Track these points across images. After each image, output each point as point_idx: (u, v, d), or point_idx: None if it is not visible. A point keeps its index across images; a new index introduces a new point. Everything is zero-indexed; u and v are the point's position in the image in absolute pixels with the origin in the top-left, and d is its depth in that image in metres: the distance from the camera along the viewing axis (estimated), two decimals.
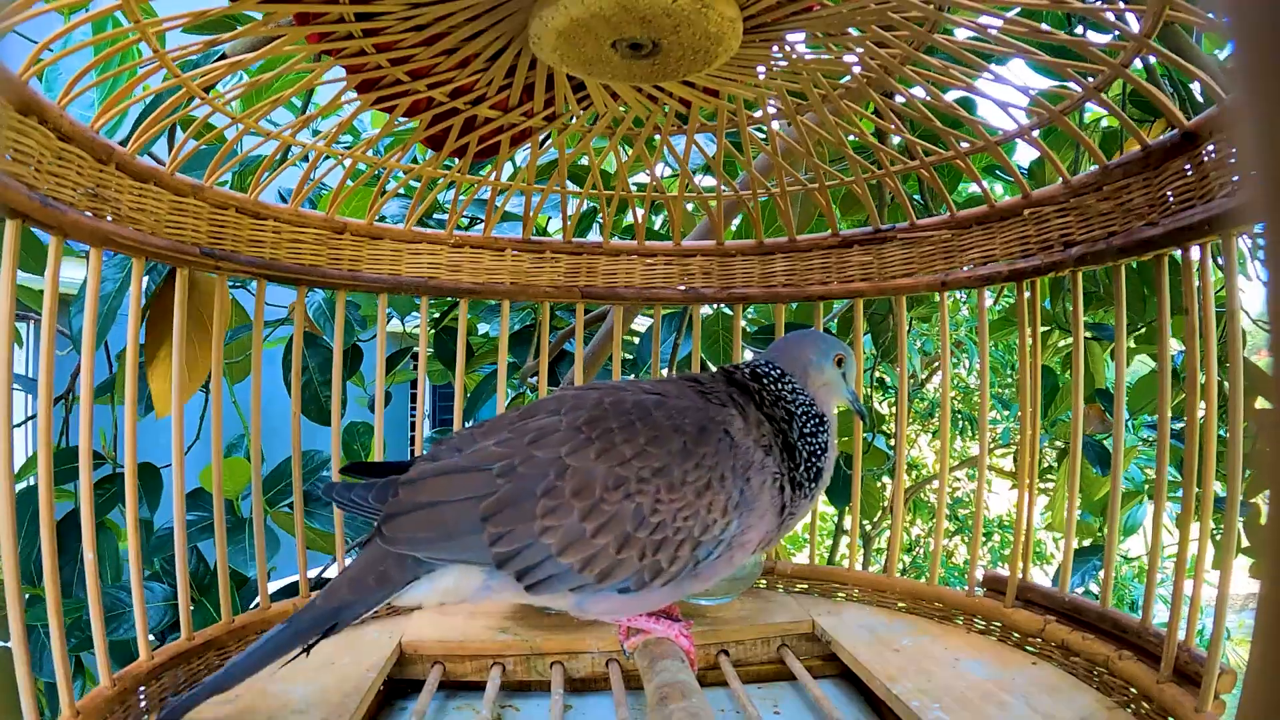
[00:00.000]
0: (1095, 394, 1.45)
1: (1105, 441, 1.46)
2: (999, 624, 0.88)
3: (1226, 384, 0.65)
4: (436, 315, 1.57)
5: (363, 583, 0.62)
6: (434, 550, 0.60)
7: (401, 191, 1.19)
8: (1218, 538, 0.77)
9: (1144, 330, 1.40)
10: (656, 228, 1.53)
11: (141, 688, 0.72)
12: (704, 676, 0.89)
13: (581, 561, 0.58)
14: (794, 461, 0.67)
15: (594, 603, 0.62)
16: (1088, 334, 1.42)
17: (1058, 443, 1.67)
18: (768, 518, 0.65)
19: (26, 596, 0.83)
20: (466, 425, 0.69)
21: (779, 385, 0.71)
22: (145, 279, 1.06)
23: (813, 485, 0.69)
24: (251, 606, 0.91)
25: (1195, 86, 1.10)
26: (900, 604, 0.98)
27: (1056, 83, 0.75)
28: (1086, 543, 1.59)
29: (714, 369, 0.76)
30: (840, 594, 1.03)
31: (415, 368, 1.49)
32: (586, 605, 0.63)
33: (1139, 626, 0.75)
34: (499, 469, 0.60)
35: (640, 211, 1.03)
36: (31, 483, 1.29)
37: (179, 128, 1.03)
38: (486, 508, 0.59)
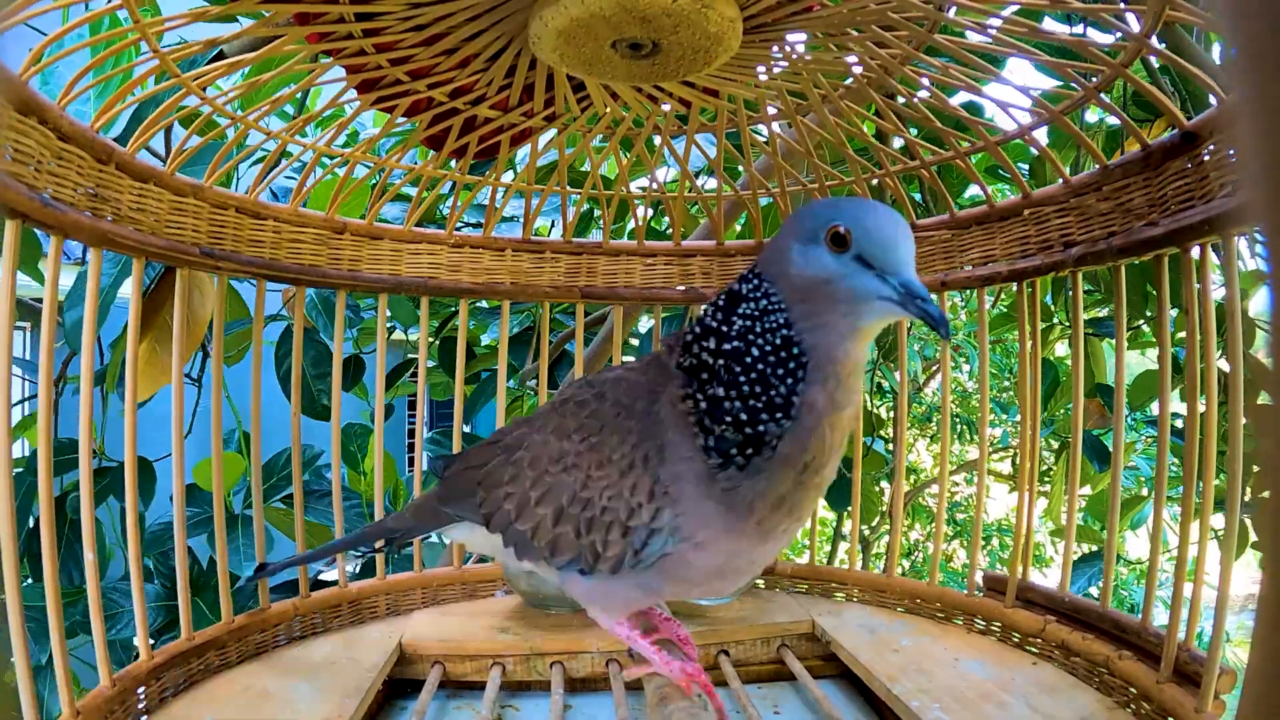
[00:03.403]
0: (1096, 388, 1.45)
1: (1104, 438, 1.46)
2: (999, 624, 0.88)
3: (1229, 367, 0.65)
4: (437, 324, 1.58)
5: (422, 514, 0.74)
6: (453, 507, 0.71)
7: (402, 191, 1.19)
8: (1220, 534, 0.77)
9: (1145, 325, 1.39)
10: (655, 223, 1.53)
11: (141, 688, 0.72)
12: None
13: (531, 529, 0.62)
14: (714, 429, 0.50)
15: (570, 584, 0.64)
16: (1088, 330, 1.42)
17: (1054, 441, 1.66)
18: (714, 517, 0.52)
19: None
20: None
21: (722, 314, 0.51)
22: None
23: (760, 458, 0.49)
24: (249, 606, 0.91)
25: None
26: (900, 604, 0.98)
27: (1058, 82, 0.75)
28: (1091, 548, 1.57)
29: None
30: (840, 594, 1.03)
31: (415, 379, 1.49)
32: (566, 586, 0.65)
33: (1139, 627, 0.75)
34: (503, 444, 0.67)
35: (640, 211, 1.03)
36: (25, 449, 1.29)
37: (179, 125, 1.03)
38: (480, 475, 0.67)
